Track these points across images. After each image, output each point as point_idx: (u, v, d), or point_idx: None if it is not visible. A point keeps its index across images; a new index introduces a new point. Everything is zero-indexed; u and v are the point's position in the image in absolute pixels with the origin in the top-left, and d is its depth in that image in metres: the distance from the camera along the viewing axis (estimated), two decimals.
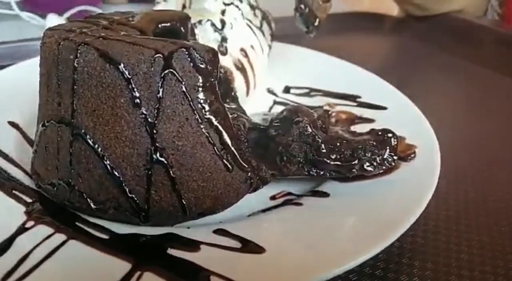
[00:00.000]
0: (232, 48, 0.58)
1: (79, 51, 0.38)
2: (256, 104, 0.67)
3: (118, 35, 0.41)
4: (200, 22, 0.56)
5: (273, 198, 0.48)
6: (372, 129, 0.49)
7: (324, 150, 0.45)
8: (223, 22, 0.56)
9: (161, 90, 0.38)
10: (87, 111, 0.38)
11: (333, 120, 0.60)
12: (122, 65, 0.37)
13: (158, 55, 0.38)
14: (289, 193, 0.49)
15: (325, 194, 0.46)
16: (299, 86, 0.73)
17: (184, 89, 0.39)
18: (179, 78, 0.39)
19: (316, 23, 0.60)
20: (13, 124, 0.55)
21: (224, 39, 0.57)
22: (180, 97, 0.39)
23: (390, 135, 0.48)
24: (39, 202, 0.42)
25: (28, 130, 0.53)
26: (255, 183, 0.45)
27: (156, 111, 0.38)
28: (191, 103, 0.40)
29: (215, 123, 0.41)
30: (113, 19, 0.46)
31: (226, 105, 0.51)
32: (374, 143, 0.47)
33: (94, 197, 0.40)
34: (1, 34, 0.87)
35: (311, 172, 0.46)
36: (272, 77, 0.72)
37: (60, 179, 0.41)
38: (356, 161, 0.46)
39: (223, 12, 0.57)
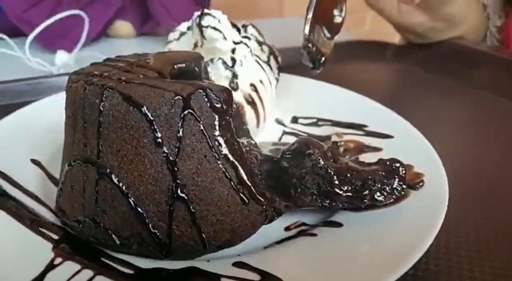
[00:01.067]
0: (242, 83, 0.61)
1: (104, 95, 0.40)
2: (266, 134, 0.69)
3: (139, 78, 0.44)
4: (212, 60, 0.59)
5: (287, 228, 0.50)
6: (380, 159, 0.51)
7: (337, 182, 0.47)
8: (233, 60, 0.59)
9: (181, 130, 0.41)
10: (112, 151, 0.41)
11: (341, 149, 0.62)
12: (144, 107, 0.40)
13: (177, 97, 0.41)
14: (303, 224, 0.50)
15: (338, 224, 0.48)
16: (306, 116, 0.75)
17: (202, 128, 0.41)
18: (197, 118, 0.41)
19: (322, 60, 0.63)
20: (35, 162, 0.57)
21: (235, 76, 0.60)
22: (198, 136, 0.41)
23: (397, 164, 0.50)
24: (66, 239, 0.44)
25: (50, 167, 0.55)
26: (270, 214, 0.46)
27: (176, 149, 0.41)
28: (208, 140, 0.42)
29: (232, 159, 0.43)
30: (131, 61, 0.49)
31: (238, 139, 0.53)
32: (383, 173, 0.49)
33: (118, 233, 0.42)
34: (16, 71, 0.91)
35: (324, 203, 0.48)
36: (280, 108, 0.75)
37: (86, 216, 0.43)
38: (367, 192, 0.48)
39: (233, 51, 0.60)
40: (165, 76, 0.48)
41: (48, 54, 1.04)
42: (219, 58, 0.59)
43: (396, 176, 0.49)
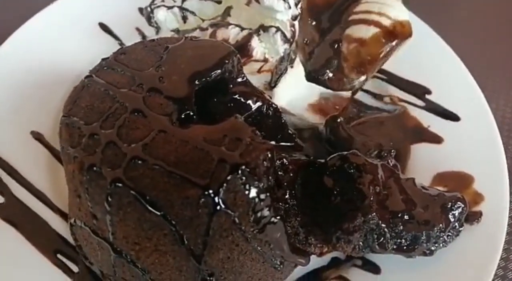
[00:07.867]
0: None
1: (110, 192, 0.31)
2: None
3: (158, 153, 0.32)
4: (265, 29, 0.43)
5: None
6: (440, 195, 0.44)
7: (388, 238, 0.41)
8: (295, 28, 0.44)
9: (209, 228, 0.33)
10: (128, 241, 0.34)
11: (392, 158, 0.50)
12: (163, 212, 0.31)
13: (206, 193, 0.31)
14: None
15: (376, 269, 0.44)
16: None
17: (236, 220, 0.33)
18: (230, 212, 0.33)
19: None
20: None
21: (294, 51, 0.45)
22: (230, 229, 0.34)
23: (460, 207, 0.43)
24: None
25: None
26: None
27: (203, 245, 0.34)
28: (241, 228, 0.34)
29: (267, 238, 0.36)
30: (141, 80, 0.37)
31: (274, 142, 0.45)
32: (442, 226, 0.42)
33: None
34: None
35: (366, 252, 0.43)
36: None
37: (103, 272, 0.39)
38: (417, 247, 0.42)
39: (295, 17, 0.43)
40: (187, 102, 0.36)
41: None
42: (277, 30, 0.43)
43: (454, 221, 0.43)
